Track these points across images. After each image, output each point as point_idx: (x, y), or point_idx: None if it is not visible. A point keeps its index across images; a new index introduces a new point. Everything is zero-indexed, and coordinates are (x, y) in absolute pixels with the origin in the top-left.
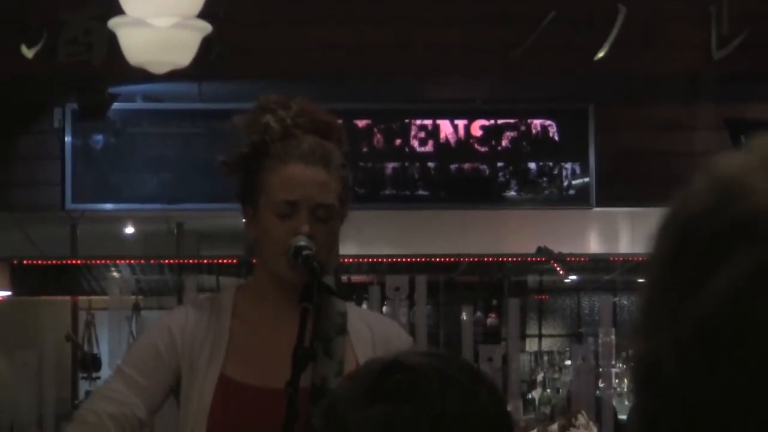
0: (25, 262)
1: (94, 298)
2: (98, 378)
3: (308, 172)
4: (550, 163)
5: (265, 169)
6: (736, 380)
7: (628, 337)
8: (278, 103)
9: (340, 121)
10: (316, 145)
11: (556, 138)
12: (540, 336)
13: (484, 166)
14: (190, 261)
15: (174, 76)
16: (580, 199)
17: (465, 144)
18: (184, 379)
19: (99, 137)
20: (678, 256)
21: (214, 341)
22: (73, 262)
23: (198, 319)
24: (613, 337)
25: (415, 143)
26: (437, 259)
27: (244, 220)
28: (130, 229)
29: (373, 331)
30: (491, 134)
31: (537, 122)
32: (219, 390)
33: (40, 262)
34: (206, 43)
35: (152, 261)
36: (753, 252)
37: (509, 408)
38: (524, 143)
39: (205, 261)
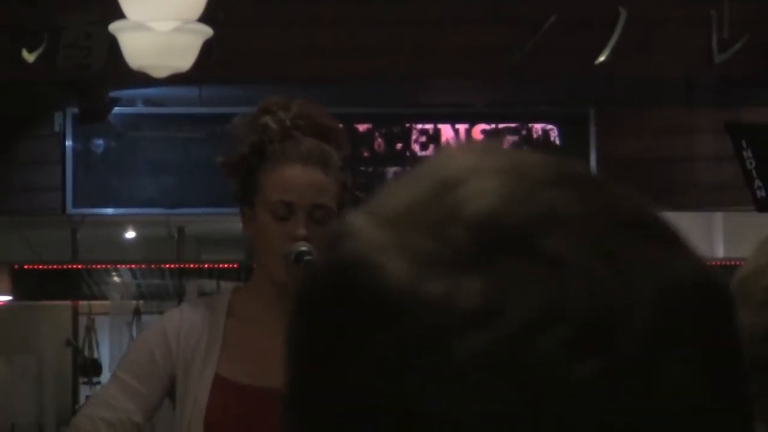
0: (25, 266)
1: (94, 302)
2: (99, 383)
3: (306, 173)
4: None
5: (263, 169)
6: None
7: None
8: (279, 104)
9: (341, 125)
10: (314, 146)
11: (558, 142)
12: None
13: None
14: (191, 265)
15: (175, 80)
16: None
17: None
18: (179, 380)
19: (100, 141)
20: (311, 348)
21: (209, 341)
22: (74, 266)
23: (193, 319)
24: None
25: (416, 147)
26: None
27: (241, 221)
28: (130, 234)
29: None
30: (492, 138)
31: (538, 126)
32: (214, 390)
33: (40, 266)
34: (207, 47)
35: (153, 265)
36: (390, 337)
37: None
38: (525, 147)
39: (206, 265)
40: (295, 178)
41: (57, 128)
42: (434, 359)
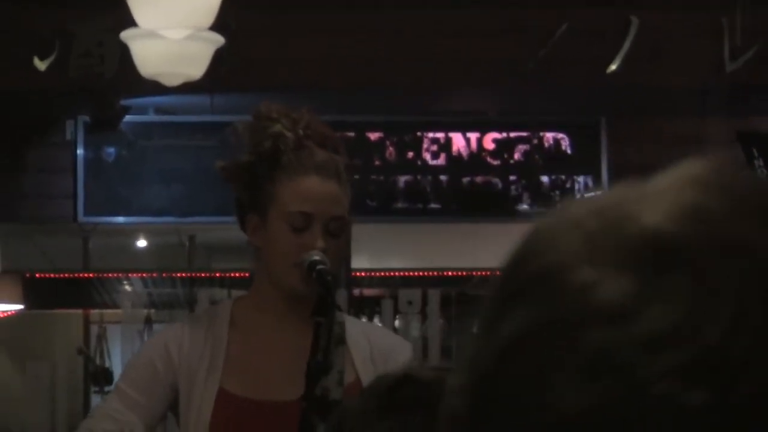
0: (37, 275)
1: (106, 311)
2: (110, 391)
3: (323, 184)
4: (563, 177)
5: (277, 179)
6: None
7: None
8: (280, 112)
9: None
10: (328, 158)
11: (569, 151)
12: None
13: (497, 180)
14: (203, 274)
15: (186, 88)
16: None
17: (477, 157)
18: (182, 394)
19: (111, 150)
20: (486, 310)
21: (211, 355)
22: (86, 275)
23: (195, 333)
24: None
25: (427, 156)
26: (450, 273)
27: (245, 229)
28: (142, 242)
29: (372, 343)
30: (503, 147)
31: (549, 135)
32: (218, 404)
33: (52, 275)
34: (218, 56)
35: (164, 274)
36: (524, 312)
37: None
38: (537, 156)
39: (218, 274)
40: (314, 189)
41: (68, 136)
42: (561, 341)
